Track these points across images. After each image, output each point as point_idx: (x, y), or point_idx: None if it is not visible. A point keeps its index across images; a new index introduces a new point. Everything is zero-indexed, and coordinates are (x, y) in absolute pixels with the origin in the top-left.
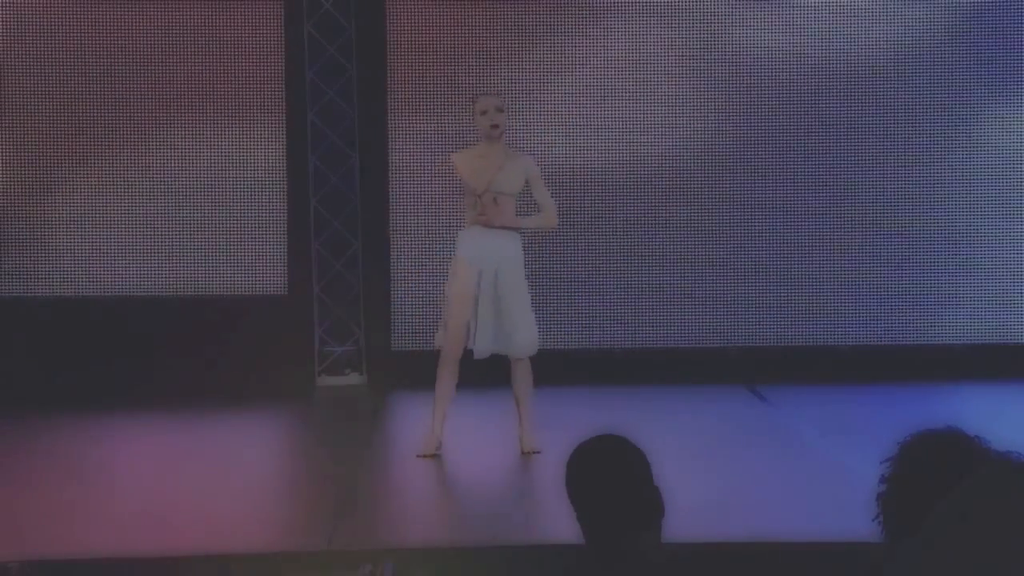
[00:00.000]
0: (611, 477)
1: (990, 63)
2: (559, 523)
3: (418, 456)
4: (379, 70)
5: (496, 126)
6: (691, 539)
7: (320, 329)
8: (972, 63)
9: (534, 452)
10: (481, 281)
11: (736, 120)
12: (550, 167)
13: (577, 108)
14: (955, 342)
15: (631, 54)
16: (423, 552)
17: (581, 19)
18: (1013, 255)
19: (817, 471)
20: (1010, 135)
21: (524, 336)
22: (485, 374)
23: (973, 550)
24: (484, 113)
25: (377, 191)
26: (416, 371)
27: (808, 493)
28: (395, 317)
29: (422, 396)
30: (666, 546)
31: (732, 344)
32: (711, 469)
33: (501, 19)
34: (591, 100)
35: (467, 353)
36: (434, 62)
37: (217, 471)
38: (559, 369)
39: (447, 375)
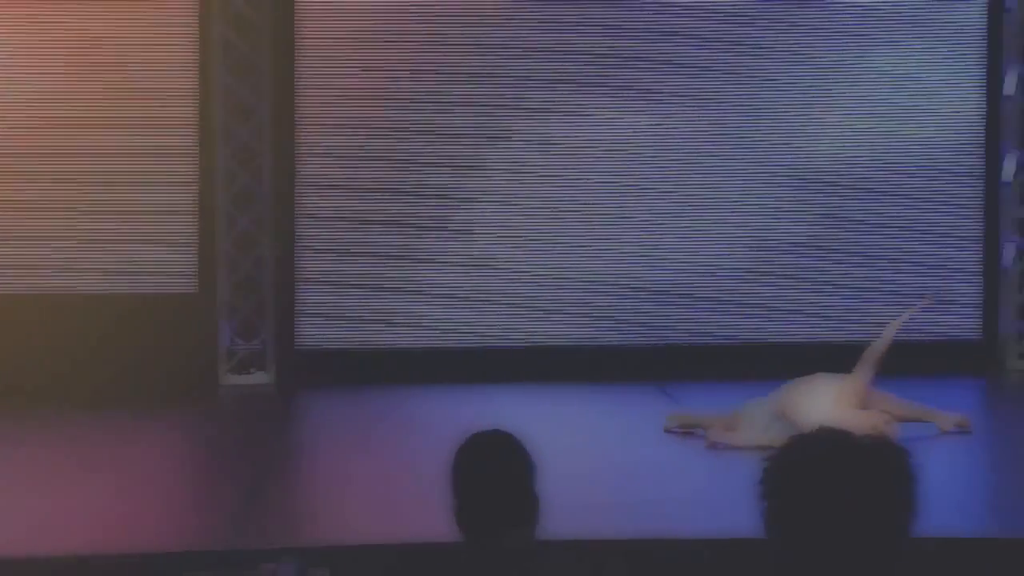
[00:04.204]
0: (493, 472)
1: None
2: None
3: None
4: (290, 69)
5: None
6: (578, 536)
7: (227, 327)
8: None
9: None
10: None
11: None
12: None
13: None
14: (896, 339)
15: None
16: (324, 551)
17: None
18: (920, 249)
19: (715, 467)
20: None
21: None
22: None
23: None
24: None
25: (287, 189)
26: (322, 370)
27: (706, 490)
28: (302, 316)
29: (328, 394)
30: (543, 543)
31: (642, 342)
32: (608, 467)
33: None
34: None
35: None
36: (346, 60)
37: (118, 470)
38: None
39: None
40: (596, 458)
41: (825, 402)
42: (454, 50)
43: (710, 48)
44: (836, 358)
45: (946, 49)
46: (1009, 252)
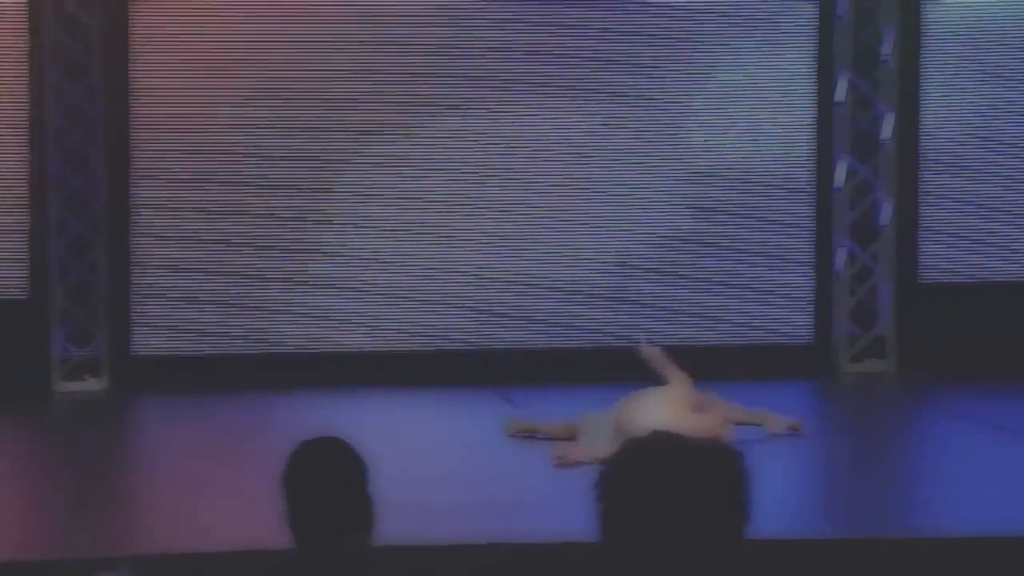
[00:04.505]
0: (324, 478)
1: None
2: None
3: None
4: (123, 71)
5: None
6: (414, 540)
7: (60, 333)
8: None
9: None
10: None
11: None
12: None
13: None
14: (729, 343)
15: None
16: (159, 559)
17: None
18: (755, 252)
19: (552, 471)
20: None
21: None
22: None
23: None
24: None
25: (121, 192)
26: (158, 377)
27: (543, 493)
28: (137, 322)
29: (163, 401)
30: (378, 548)
31: (481, 346)
32: (445, 471)
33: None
34: None
35: None
36: (179, 57)
37: None
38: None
39: None
40: (433, 462)
41: (659, 409)
42: (311, 46)
43: (597, 48)
44: (682, 359)
45: (779, 55)
46: (841, 256)
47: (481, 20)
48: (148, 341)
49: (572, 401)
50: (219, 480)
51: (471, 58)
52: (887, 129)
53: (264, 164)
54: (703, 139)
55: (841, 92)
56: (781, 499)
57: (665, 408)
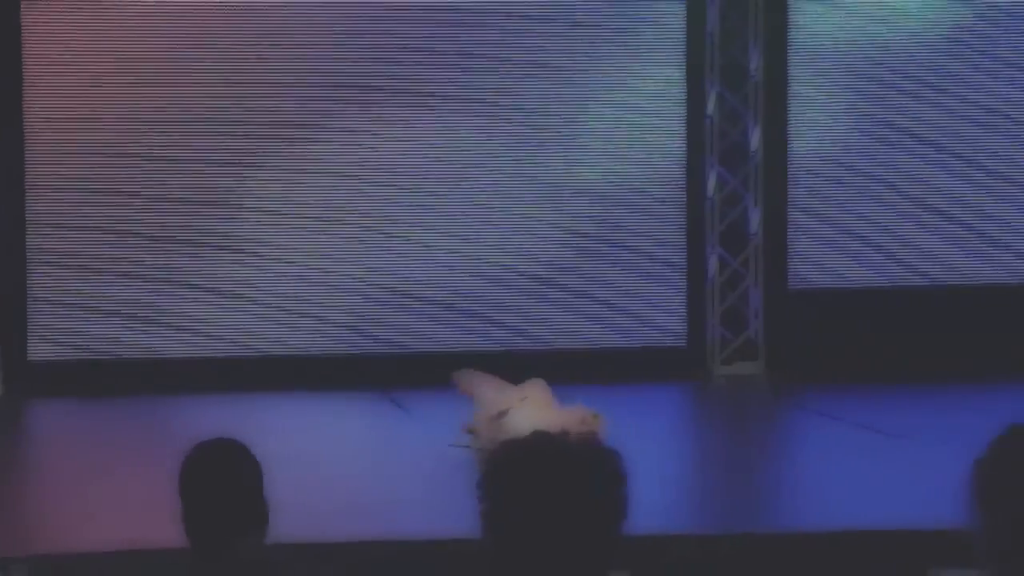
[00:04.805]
0: (219, 480)
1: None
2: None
3: None
4: (16, 69)
5: None
6: (307, 539)
7: None
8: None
9: None
10: None
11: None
12: None
13: None
14: (607, 347)
15: None
16: (53, 559)
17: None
18: (626, 258)
19: (440, 471)
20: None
21: None
22: None
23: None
24: None
25: (15, 194)
26: (54, 381)
27: (432, 492)
28: (33, 327)
29: (60, 405)
30: (271, 548)
31: (371, 351)
32: (338, 472)
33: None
34: None
35: None
36: (75, 58)
37: None
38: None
39: None
40: (326, 464)
41: (535, 409)
42: (203, 61)
43: (473, 62)
44: (559, 365)
45: (651, 70)
46: (712, 263)
47: (350, 30)
48: (45, 346)
49: (458, 403)
50: (114, 482)
51: (342, 70)
52: (755, 141)
53: (154, 174)
54: (580, 151)
55: (711, 106)
56: (657, 497)
57: (538, 408)
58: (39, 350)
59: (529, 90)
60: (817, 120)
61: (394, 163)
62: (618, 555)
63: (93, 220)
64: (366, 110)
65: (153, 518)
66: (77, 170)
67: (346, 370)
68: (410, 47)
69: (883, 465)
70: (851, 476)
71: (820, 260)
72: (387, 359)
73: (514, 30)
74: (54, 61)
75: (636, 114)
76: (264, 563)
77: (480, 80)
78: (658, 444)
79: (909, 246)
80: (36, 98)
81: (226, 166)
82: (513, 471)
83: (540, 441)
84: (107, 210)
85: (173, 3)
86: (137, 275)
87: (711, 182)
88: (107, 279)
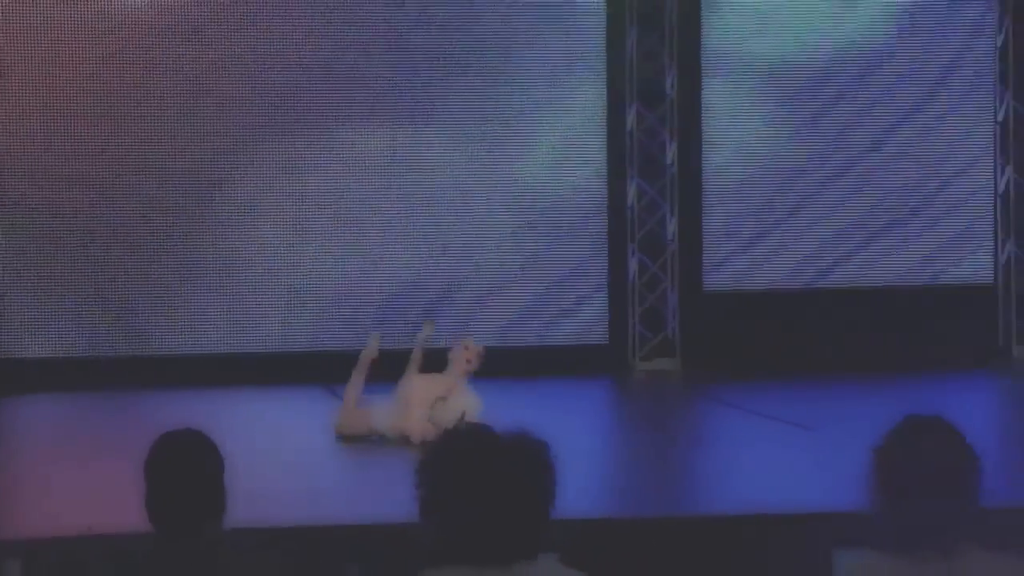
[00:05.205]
0: (184, 468)
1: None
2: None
3: None
4: None
5: None
6: (262, 524)
7: None
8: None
9: None
10: None
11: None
12: None
13: None
14: (534, 343)
15: None
16: (17, 543)
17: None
18: (552, 261)
19: (378, 458)
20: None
21: None
22: None
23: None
24: None
25: None
26: (24, 378)
27: (367, 479)
28: (2, 324)
29: (29, 401)
30: (230, 532)
31: (311, 347)
32: (288, 460)
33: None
34: None
35: None
36: (44, 49)
37: None
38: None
39: None
40: (277, 452)
41: (420, 383)
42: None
43: (421, 71)
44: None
45: (577, 91)
46: (633, 267)
47: (300, 37)
48: (15, 342)
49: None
50: (83, 470)
51: (304, 79)
52: (671, 155)
53: (131, 169)
54: (511, 163)
55: (630, 122)
56: (583, 483)
57: (424, 382)
58: (10, 347)
59: (474, 106)
60: (729, 134)
61: (345, 173)
62: (547, 538)
63: (63, 215)
64: (317, 121)
65: (120, 503)
66: (52, 164)
67: (287, 367)
68: (363, 59)
69: (790, 453)
70: (761, 463)
71: (732, 264)
72: (329, 356)
73: (454, 46)
74: (27, 54)
75: (562, 131)
76: (220, 544)
77: (425, 92)
78: (583, 434)
79: (813, 251)
80: (9, 91)
81: (205, 165)
82: (448, 460)
83: (473, 433)
84: (73, 199)
85: None
86: (105, 271)
87: (631, 193)
88: (78, 275)
